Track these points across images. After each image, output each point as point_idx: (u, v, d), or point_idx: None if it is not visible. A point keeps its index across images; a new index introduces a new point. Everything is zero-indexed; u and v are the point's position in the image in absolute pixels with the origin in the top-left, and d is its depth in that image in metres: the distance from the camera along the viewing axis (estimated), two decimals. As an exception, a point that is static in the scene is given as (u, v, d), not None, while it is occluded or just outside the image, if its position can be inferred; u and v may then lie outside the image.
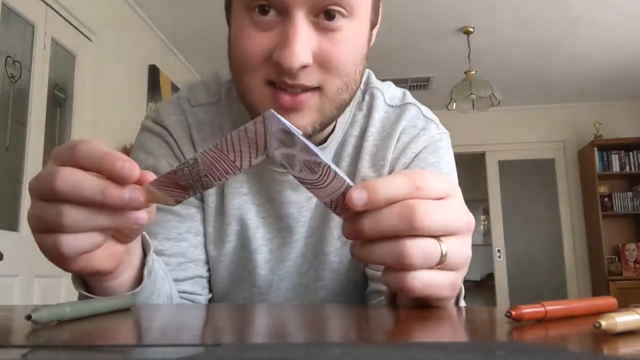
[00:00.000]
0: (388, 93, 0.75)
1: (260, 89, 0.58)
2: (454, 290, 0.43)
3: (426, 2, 3.70)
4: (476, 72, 4.17)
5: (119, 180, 0.38)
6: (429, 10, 3.81)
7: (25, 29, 2.67)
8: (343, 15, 0.56)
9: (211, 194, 0.71)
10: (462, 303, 0.56)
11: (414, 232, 0.39)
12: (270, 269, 0.73)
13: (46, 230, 0.40)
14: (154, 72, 3.95)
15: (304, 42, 0.54)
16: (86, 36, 3.14)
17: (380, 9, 0.65)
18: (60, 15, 2.90)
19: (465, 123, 5.73)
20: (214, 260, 0.73)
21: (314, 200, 0.70)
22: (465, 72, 4.19)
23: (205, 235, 0.72)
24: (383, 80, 0.78)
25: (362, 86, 0.74)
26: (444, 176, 0.43)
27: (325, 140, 0.70)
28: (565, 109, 5.83)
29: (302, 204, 0.71)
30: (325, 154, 0.69)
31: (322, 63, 0.56)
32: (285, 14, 0.55)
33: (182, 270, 0.69)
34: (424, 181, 0.40)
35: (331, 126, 0.69)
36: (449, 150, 0.74)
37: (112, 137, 3.37)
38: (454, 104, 4.18)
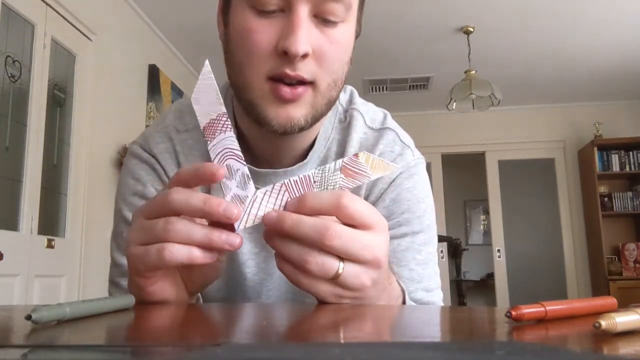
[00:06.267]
0: (369, 115, 0.77)
1: (260, 84, 0.60)
2: (340, 299, 0.50)
3: (426, 2, 3.70)
4: (476, 72, 4.17)
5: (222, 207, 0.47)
6: (429, 10, 3.81)
7: (25, 29, 2.67)
8: (339, 18, 0.61)
9: None
10: None
11: (322, 247, 0.46)
12: (258, 281, 0.75)
13: (150, 242, 0.47)
14: (154, 72, 3.95)
15: (306, 31, 0.58)
16: (86, 36, 3.15)
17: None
18: (60, 15, 2.90)
19: (465, 123, 5.74)
20: None
21: None
22: (465, 72, 4.19)
23: None
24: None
25: (344, 105, 0.77)
26: (375, 212, 0.49)
27: (305, 156, 0.72)
28: (565, 109, 5.83)
29: None
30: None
31: (318, 58, 0.60)
32: (288, 10, 0.59)
33: None
34: (350, 203, 0.47)
35: (310, 141, 0.72)
36: (424, 176, 0.77)
37: (112, 137, 3.37)
38: (454, 103, 4.18)
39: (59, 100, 2.93)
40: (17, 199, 2.56)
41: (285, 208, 0.48)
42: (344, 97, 0.78)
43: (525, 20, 3.97)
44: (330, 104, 0.65)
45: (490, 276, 6.59)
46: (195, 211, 0.46)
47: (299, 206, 0.47)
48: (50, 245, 2.75)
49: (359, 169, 0.48)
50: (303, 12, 0.58)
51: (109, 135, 3.34)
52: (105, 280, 0.76)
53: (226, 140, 0.48)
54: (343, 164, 0.49)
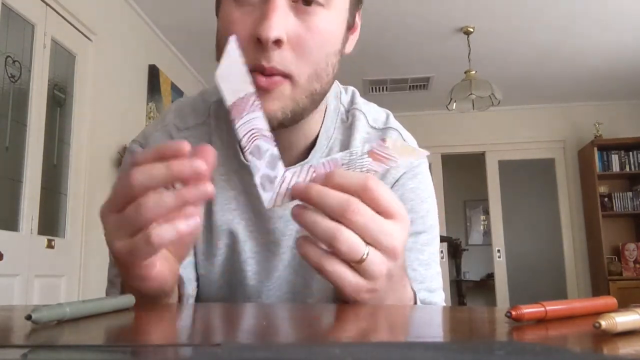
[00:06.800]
0: (371, 114, 0.77)
1: None
2: (357, 293, 0.49)
3: (426, 2, 3.70)
4: (476, 72, 4.17)
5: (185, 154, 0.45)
6: (429, 10, 3.81)
7: (25, 29, 2.67)
8: (319, 4, 0.60)
9: None
10: None
11: (344, 221, 0.46)
12: (259, 280, 0.75)
13: (132, 233, 0.46)
14: (154, 72, 3.94)
15: (280, 17, 0.57)
16: (86, 36, 3.14)
17: (358, 17, 0.69)
18: (60, 15, 2.90)
19: (465, 123, 5.74)
20: (206, 272, 0.75)
21: None
22: (465, 72, 4.19)
23: (196, 250, 0.74)
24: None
25: (346, 105, 0.77)
26: (399, 202, 0.49)
27: (307, 156, 0.72)
28: (565, 109, 5.83)
29: (288, 218, 0.73)
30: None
31: (296, 47, 0.59)
32: None
33: None
34: (376, 187, 0.47)
35: (310, 141, 0.72)
36: (427, 175, 0.77)
37: (112, 137, 3.37)
38: (454, 104, 4.17)
39: (59, 100, 2.93)
40: (17, 199, 2.56)
41: (313, 178, 0.48)
42: (345, 98, 0.78)
43: (525, 20, 3.97)
44: (315, 97, 0.63)
45: (490, 276, 6.59)
46: (162, 179, 0.45)
47: (326, 180, 0.47)
48: (50, 245, 2.75)
49: (386, 154, 0.48)
50: None
51: (109, 135, 3.34)
52: (105, 280, 0.76)
53: (255, 120, 0.47)
54: (370, 148, 0.48)
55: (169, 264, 0.52)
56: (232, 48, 0.48)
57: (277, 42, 0.57)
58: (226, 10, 0.61)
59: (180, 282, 0.62)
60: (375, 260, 0.47)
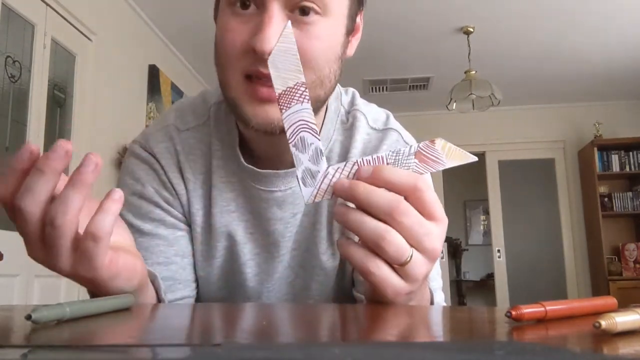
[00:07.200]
0: (371, 115, 0.77)
1: (239, 83, 0.61)
2: (397, 296, 0.48)
3: (426, 2, 3.70)
4: (476, 72, 4.17)
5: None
6: (429, 10, 3.81)
7: (25, 29, 2.67)
8: (317, 13, 0.60)
9: (198, 214, 0.73)
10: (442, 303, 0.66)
11: (391, 221, 0.45)
12: (259, 281, 0.75)
13: (65, 249, 0.43)
14: (154, 72, 3.94)
15: (276, 29, 0.57)
16: (86, 36, 3.14)
17: (360, 19, 0.69)
18: (60, 15, 2.90)
19: (465, 123, 5.73)
20: (205, 274, 0.75)
21: (299, 215, 0.73)
22: (465, 72, 4.19)
23: (194, 251, 0.74)
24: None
25: (346, 106, 0.77)
26: (440, 204, 0.48)
27: None
28: (565, 109, 5.83)
29: (287, 220, 0.73)
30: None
31: None
32: (262, 7, 0.59)
33: (171, 292, 0.71)
34: (425, 188, 0.45)
35: None
36: (428, 176, 0.77)
37: (112, 137, 3.37)
38: (454, 104, 4.17)
39: (59, 100, 2.93)
40: (17, 199, 2.56)
41: (357, 173, 0.46)
42: (345, 99, 0.78)
43: (525, 20, 3.96)
44: (318, 104, 0.64)
45: (490, 276, 6.59)
46: (41, 184, 0.42)
47: (373, 175, 0.46)
48: (50, 245, 2.75)
49: (434, 156, 0.47)
50: (275, 8, 0.58)
51: (109, 136, 3.34)
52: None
53: (302, 112, 0.46)
54: (418, 148, 0.47)
55: (116, 253, 0.48)
56: (289, 32, 0.46)
57: None
58: (223, 18, 0.62)
59: (157, 286, 0.62)
60: (418, 263, 0.46)
